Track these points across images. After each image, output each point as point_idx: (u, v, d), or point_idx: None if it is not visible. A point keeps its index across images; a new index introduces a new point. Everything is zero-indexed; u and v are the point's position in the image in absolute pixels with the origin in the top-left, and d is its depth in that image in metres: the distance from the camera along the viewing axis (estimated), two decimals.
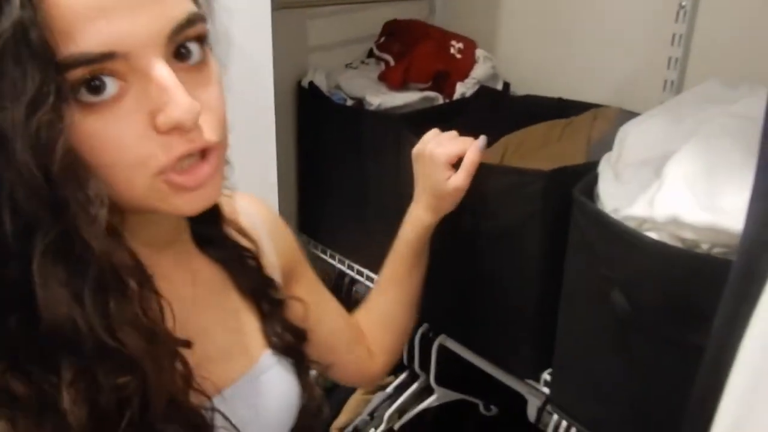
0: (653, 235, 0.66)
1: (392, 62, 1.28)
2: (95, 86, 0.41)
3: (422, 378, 1.31)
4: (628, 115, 1.02)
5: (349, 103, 1.24)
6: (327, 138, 1.28)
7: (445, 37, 1.32)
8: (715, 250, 0.62)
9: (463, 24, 1.42)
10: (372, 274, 1.27)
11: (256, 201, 0.74)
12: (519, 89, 1.33)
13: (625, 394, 0.76)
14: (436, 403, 1.28)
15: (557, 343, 0.87)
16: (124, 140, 0.43)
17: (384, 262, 0.92)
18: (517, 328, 0.94)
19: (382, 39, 1.37)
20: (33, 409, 0.41)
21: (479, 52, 1.28)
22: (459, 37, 1.32)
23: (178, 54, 0.45)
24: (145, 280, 0.47)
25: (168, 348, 0.48)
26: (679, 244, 0.64)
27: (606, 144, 0.88)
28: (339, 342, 0.82)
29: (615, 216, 0.71)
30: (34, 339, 0.42)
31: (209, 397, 0.52)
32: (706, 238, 0.62)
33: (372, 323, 0.89)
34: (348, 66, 1.38)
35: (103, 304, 0.43)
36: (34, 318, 0.41)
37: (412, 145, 0.93)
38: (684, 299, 0.65)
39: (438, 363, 1.22)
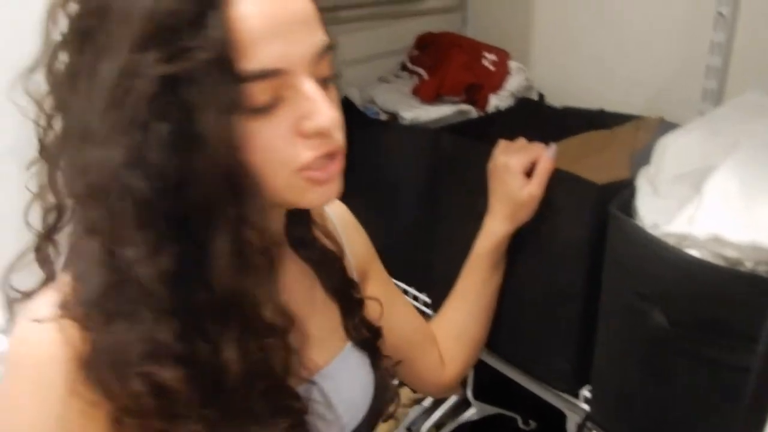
0: (694, 252, 0.64)
1: (425, 76, 1.29)
2: (262, 98, 0.49)
3: (460, 392, 1.30)
4: (669, 125, 1.01)
5: (383, 117, 1.25)
6: (361, 152, 1.28)
7: (478, 48, 1.31)
8: (760, 268, 0.61)
9: (496, 35, 1.42)
10: (406, 287, 1.27)
11: (338, 204, 0.82)
12: (552, 100, 1.32)
13: (663, 413, 0.75)
14: (474, 418, 1.28)
15: (595, 360, 0.86)
16: (275, 142, 0.50)
17: (453, 284, 0.96)
18: (557, 342, 0.93)
19: (415, 52, 1.37)
20: (199, 362, 0.49)
21: (513, 64, 1.27)
22: (492, 49, 1.31)
23: (315, 73, 0.53)
24: (276, 261, 0.55)
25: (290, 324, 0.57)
26: (721, 262, 0.63)
27: (648, 156, 0.87)
28: (410, 342, 0.85)
29: (654, 232, 0.70)
30: (208, 304, 0.50)
31: (308, 376, 0.61)
32: (749, 256, 0.60)
33: (444, 334, 0.91)
34: (381, 80, 1.39)
35: (256, 278, 0.52)
36: (205, 288, 0.49)
37: (451, 150, 0.94)
38: (725, 318, 0.63)
39: (476, 377, 1.22)
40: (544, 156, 0.87)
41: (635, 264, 0.71)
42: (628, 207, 0.79)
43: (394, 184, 1.19)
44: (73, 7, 0.49)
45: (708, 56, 1.09)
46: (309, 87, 0.51)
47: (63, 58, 0.50)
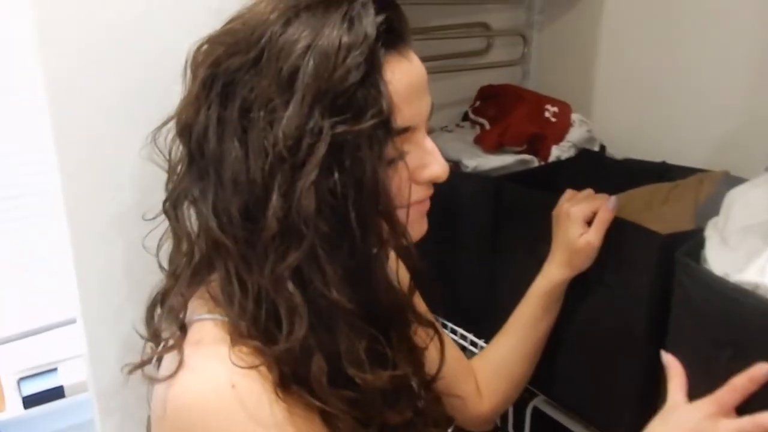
0: None
1: (487, 126, 1.32)
2: (393, 151, 0.57)
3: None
4: (735, 179, 1.01)
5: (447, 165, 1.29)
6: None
7: (540, 101, 1.35)
8: None
9: (557, 87, 1.45)
10: (458, 329, 1.28)
11: None
12: (614, 152, 1.34)
13: None
14: None
15: (662, 408, 0.85)
16: (399, 187, 0.58)
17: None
18: (622, 392, 0.93)
19: (477, 103, 1.41)
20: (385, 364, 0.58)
21: (575, 116, 1.30)
22: (553, 101, 1.35)
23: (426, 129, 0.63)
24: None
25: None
26: None
27: (713, 208, 0.87)
28: (448, 371, 0.85)
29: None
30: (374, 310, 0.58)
31: None
32: None
33: (486, 366, 0.93)
34: (444, 129, 1.43)
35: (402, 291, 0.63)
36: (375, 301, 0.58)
37: (514, 197, 0.96)
38: None
39: (532, 427, 1.20)
40: (605, 206, 0.89)
41: (709, 311, 0.72)
42: (695, 257, 0.79)
43: (456, 230, 1.21)
44: (228, 62, 0.54)
45: None
46: (429, 142, 0.61)
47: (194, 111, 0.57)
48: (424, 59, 1.43)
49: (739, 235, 0.76)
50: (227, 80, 0.53)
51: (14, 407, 1.17)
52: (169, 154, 0.60)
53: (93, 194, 0.77)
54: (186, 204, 0.59)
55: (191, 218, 0.59)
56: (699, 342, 0.75)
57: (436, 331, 0.74)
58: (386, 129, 0.53)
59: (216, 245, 0.56)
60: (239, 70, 0.52)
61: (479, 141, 1.28)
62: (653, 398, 0.87)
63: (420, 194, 0.61)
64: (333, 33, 0.51)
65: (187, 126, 0.57)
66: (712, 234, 0.80)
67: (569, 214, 0.90)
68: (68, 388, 1.21)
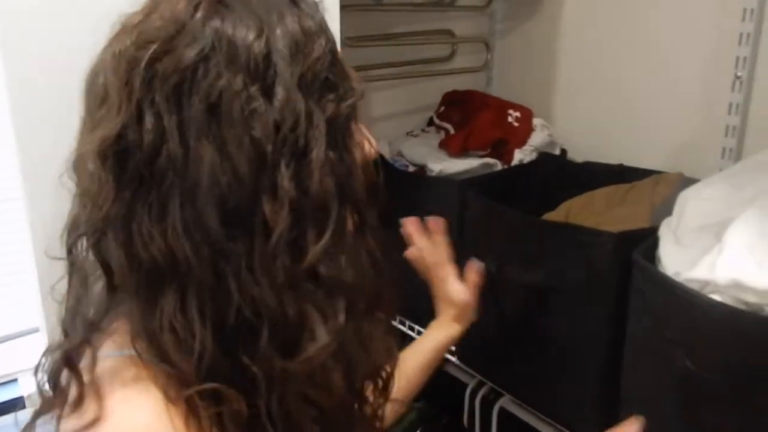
0: (716, 297, 0.67)
1: (452, 130, 1.34)
2: None
3: None
4: (689, 181, 1.04)
5: (411, 169, 1.30)
6: (390, 203, 1.33)
7: (503, 106, 1.38)
8: None
9: (519, 93, 1.49)
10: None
11: None
12: (574, 156, 1.37)
13: None
14: None
15: (622, 407, 0.88)
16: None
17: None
18: (582, 389, 0.95)
19: (442, 108, 1.44)
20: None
21: (536, 121, 1.33)
22: (516, 106, 1.37)
23: None
24: None
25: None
26: (742, 307, 0.66)
27: (669, 209, 0.91)
28: None
29: (677, 279, 0.73)
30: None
31: None
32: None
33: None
34: (409, 134, 1.45)
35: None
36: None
37: (476, 206, 0.97)
38: (750, 361, 0.65)
39: (499, 426, 1.22)
40: (473, 270, 0.95)
41: (662, 310, 0.74)
42: (650, 256, 0.82)
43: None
44: (170, 62, 0.48)
45: (727, 116, 1.14)
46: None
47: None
48: (389, 65, 1.46)
49: (693, 234, 0.79)
50: (175, 81, 0.47)
51: None
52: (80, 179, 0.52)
53: (56, 201, 0.75)
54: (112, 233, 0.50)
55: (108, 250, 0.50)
56: (655, 340, 0.78)
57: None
58: (355, 106, 0.54)
59: (175, 269, 0.47)
60: (187, 68, 0.47)
61: (444, 145, 1.30)
62: (613, 395, 0.89)
63: None
64: (286, 18, 0.50)
65: (125, 143, 0.48)
66: (666, 234, 0.83)
67: (439, 276, 0.95)
68: (29, 399, 1.19)
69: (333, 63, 0.52)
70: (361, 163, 0.56)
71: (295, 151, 0.48)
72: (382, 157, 1.33)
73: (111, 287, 0.52)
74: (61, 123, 0.73)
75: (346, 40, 1.10)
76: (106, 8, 0.55)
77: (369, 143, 0.59)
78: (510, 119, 1.33)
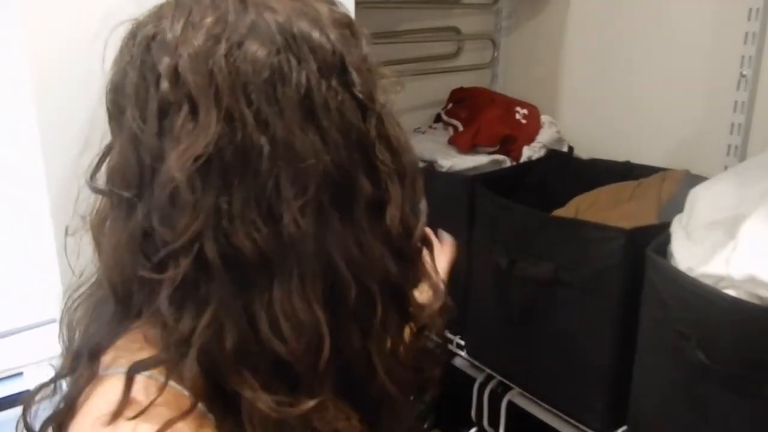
0: (730, 292, 0.69)
1: (461, 127, 1.36)
2: None
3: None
4: (695, 178, 1.06)
5: (421, 165, 1.31)
6: None
7: (510, 103, 1.39)
8: None
9: (525, 90, 1.50)
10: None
11: None
12: (581, 153, 1.39)
13: None
14: None
15: (632, 399, 0.89)
16: None
17: None
18: (592, 383, 0.97)
19: (450, 105, 1.45)
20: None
21: (544, 118, 1.34)
22: (523, 103, 1.39)
23: None
24: None
25: None
26: (756, 302, 0.67)
27: (676, 205, 0.92)
28: None
29: (690, 274, 0.75)
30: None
31: None
32: None
33: None
34: (416, 130, 1.46)
35: None
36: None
37: (486, 202, 0.98)
38: (761, 354, 0.67)
39: (507, 419, 1.24)
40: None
41: (675, 304, 0.76)
42: (662, 252, 0.84)
43: (430, 226, 1.24)
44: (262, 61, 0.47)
45: (732, 114, 1.15)
46: None
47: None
48: (395, 62, 1.47)
49: (704, 230, 0.81)
50: (265, 77, 0.46)
51: None
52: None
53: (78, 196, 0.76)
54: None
55: None
56: (666, 333, 0.79)
57: None
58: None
59: (284, 255, 0.46)
60: (266, 67, 0.46)
61: (454, 142, 1.31)
62: (623, 388, 0.91)
63: None
64: (323, 8, 0.50)
65: (219, 147, 0.46)
66: (677, 230, 0.85)
67: None
68: None
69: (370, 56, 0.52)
70: None
71: (381, 129, 0.50)
72: None
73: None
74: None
75: None
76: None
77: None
78: (518, 116, 1.35)
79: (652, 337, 0.84)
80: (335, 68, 0.48)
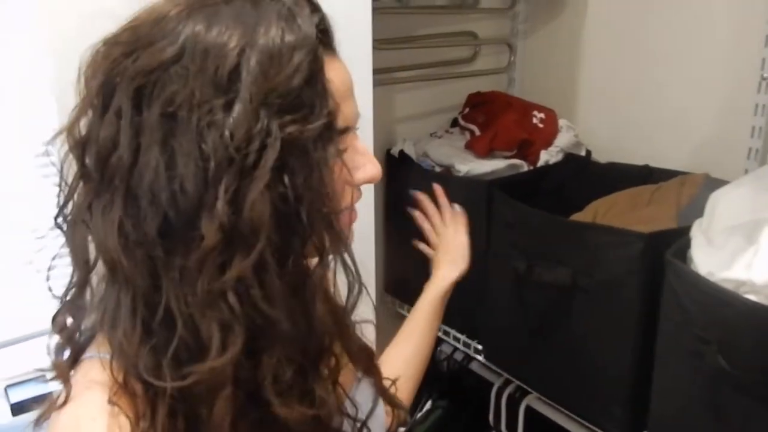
0: (752, 297, 0.68)
1: (477, 132, 1.36)
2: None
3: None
4: (715, 181, 1.05)
5: (437, 169, 1.32)
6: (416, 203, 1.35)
7: (527, 107, 1.39)
8: None
9: (542, 94, 1.50)
10: (457, 334, 1.31)
11: None
12: (598, 157, 1.38)
13: None
14: None
15: (652, 404, 0.89)
16: (336, 188, 0.53)
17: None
18: (611, 388, 0.96)
19: (467, 110, 1.45)
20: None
21: (562, 122, 1.34)
22: (540, 108, 1.39)
23: None
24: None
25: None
26: None
27: (695, 209, 0.92)
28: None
29: (710, 279, 0.75)
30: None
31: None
32: None
33: (389, 370, 0.85)
34: (433, 135, 1.47)
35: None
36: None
37: (504, 207, 0.99)
38: None
39: (525, 424, 1.24)
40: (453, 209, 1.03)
41: (695, 309, 0.75)
42: (682, 256, 0.83)
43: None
44: (134, 64, 0.48)
45: (753, 117, 1.14)
46: (361, 144, 0.58)
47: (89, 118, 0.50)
48: (412, 67, 1.48)
49: (724, 234, 0.80)
50: (139, 83, 0.47)
51: (2, 414, 1.17)
52: (61, 168, 0.53)
53: None
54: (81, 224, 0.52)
55: (87, 240, 0.52)
56: (686, 338, 0.79)
57: (372, 360, 0.67)
58: (331, 129, 0.50)
59: (113, 269, 0.48)
60: (153, 70, 0.47)
61: (471, 146, 1.31)
62: (643, 393, 0.91)
63: (353, 198, 0.58)
64: (271, 31, 0.48)
65: (82, 139, 0.50)
66: (697, 234, 0.84)
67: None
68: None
69: (308, 81, 0.49)
70: (340, 187, 0.54)
71: (241, 169, 0.46)
72: (409, 158, 1.35)
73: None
74: None
75: (375, 43, 1.11)
76: None
77: (347, 170, 0.54)
78: (535, 120, 1.34)
79: (672, 342, 0.83)
80: (223, 92, 0.46)
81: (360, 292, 0.55)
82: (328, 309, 0.53)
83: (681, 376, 0.82)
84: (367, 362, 0.66)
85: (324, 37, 0.53)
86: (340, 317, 0.55)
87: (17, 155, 1.07)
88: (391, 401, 0.71)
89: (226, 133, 0.46)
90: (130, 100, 0.47)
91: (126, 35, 0.49)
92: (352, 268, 0.54)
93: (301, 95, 0.48)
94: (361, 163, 0.57)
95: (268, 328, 0.49)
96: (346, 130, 0.54)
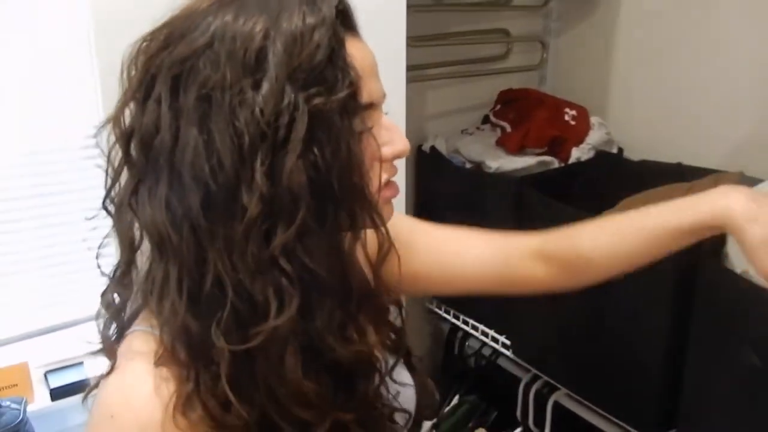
0: None
1: (509, 128, 1.36)
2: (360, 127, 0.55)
3: None
4: (750, 180, 1.05)
5: (468, 166, 1.33)
6: (447, 198, 1.36)
7: (559, 104, 1.39)
8: None
9: (574, 92, 1.50)
10: (486, 329, 1.32)
11: None
12: (630, 154, 1.38)
13: None
14: None
15: (684, 401, 0.89)
16: (365, 160, 0.56)
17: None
18: (642, 384, 0.97)
19: (498, 107, 1.46)
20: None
21: (594, 119, 1.34)
22: (572, 105, 1.39)
23: None
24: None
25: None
26: None
27: None
28: (487, 264, 0.79)
29: (745, 277, 0.75)
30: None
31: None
32: None
33: (572, 254, 0.76)
34: (464, 132, 1.47)
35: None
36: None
37: (535, 203, 0.99)
38: None
39: (553, 420, 1.24)
40: None
41: (729, 306, 0.76)
42: (717, 254, 0.83)
43: (477, 226, 1.25)
44: (170, 54, 0.52)
45: None
46: (388, 121, 0.60)
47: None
48: (444, 64, 1.49)
49: None
50: (176, 71, 0.51)
51: (42, 399, 1.21)
52: (108, 155, 0.57)
53: None
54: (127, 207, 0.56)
55: (133, 222, 0.56)
56: (721, 335, 0.79)
57: (401, 310, 0.68)
58: (355, 101, 0.53)
59: (161, 244, 0.53)
60: (188, 59, 0.51)
61: (503, 143, 1.32)
62: (674, 391, 0.91)
63: (386, 174, 0.60)
64: (294, 15, 0.52)
65: (127, 129, 0.55)
66: None
67: None
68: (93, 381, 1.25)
69: (330, 58, 0.52)
70: (379, 160, 0.56)
71: (274, 143, 0.50)
72: (440, 153, 1.37)
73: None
74: None
75: (409, 41, 1.13)
76: None
77: (377, 144, 0.56)
78: (567, 117, 1.35)
79: (706, 340, 0.83)
80: (251, 72, 0.50)
81: (389, 250, 0.57)
82: (359, 269, 0.56)
83: (714, 373, 0.82)
84: (396, 340, 0.67)
85: (344, 18, 0.56)
86: (375, 269, 0.58)
87: (69, 144, 1.12)
88: (418, 377, 0.71)
89: (257, 110, 0.49)
90: (168, 87, 0.51)
91: (162, 32, 0.54)
92: (382, 229, 0.56)
93: (324, 71, 0.51)
94: (389, 138, 0.59)
95: (316, 284, 0.53)
96: (371, 105, 0.57)
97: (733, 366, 0.77)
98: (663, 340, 0.93)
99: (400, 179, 1.17)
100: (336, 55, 0.52)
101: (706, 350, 0.83)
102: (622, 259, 0.74)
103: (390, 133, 0.59)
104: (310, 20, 0.52)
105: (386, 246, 0.57)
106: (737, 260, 0.78)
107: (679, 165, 1.24)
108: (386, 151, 0.58)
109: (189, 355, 0.52)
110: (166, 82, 0.51)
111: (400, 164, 1.25)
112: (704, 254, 0.81)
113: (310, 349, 0.54)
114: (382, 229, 0.57)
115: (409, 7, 1.11)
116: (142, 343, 0.56)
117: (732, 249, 0.81)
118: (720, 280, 0.78)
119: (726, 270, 0.77)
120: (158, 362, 0.53)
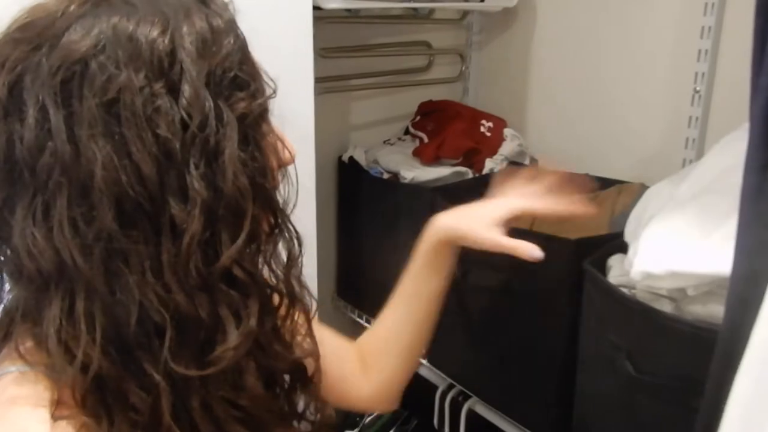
0: (638, 294, 0.71)
1: (426, 139, 1.38)
2: None
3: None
4: None
5: (386, 176, 1.34)
6: (365, 208, 1.37)
7: (477, 116, 1.42)
8: (691, 292, 0.68)
9: (494, 104, 1.53)
10: None
11: None
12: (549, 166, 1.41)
13: None
14: None
15: (575, 406, 0.91)
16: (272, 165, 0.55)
17: None
18: (542, 391, 0.99)
19: (417, 118, 1.48)
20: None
21: (507, 131, 1.37)
22: (489, 117, 1.42)
23: None
24: None
25: None
26: (663, 301, 0.70)
27: (626, 217, 0.94)
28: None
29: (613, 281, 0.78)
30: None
31: None
32: (686, 283, 0.67)
33: (372, 343, 0.83)
34: (386, 142, 1.49)
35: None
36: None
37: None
38: (687, 367, 0.69)
39: (467, 427, 1.25)
40: (531, 251, 0.79)
41: (608, 316, 0.78)
42: (601, 265, 0.86)
43: (395, 237, 1.27)
44: (49, 58, 0.46)
45: (687, 129, 1.18)
46: (277, 128, 0.57)
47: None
48: (368, 75, 1.50)
49: (630, 237, 0.83)
50: (63, 76, 0.45)
51: None
52: None
53: None
54: None
55: None
56: (602, 344, 0.81)
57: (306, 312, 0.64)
58: (266, 103, 0.52)
59: (60, 273, 0.45)
60: (76, 63, 0.45)
61: (418, 154, 1.34)
62: (570, 397, 0.93)
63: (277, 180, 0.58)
64: (194, 18, 0.49)
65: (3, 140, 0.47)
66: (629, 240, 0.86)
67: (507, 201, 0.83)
68: None
69: (243, 61, 0.51)
70: (276, 166, 0.55)
71: (205, 149, 0.47)
72: (358, 164, 1.37)
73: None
74: None
75: (320, 51, 1.14)
76: None
77: (283, 146, 0.56)
78: (483, 129, 1.37)
79: (591, 348, 0.86)
80: (163, 76, 0.46)
81: (300, 254, 0.56)
82: (294, 266, 0.56)
83: (598, 381, 0.84)
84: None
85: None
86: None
87: None
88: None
89: (182, 114, 0.46)
90: (54, 95, 0.45)
91: (21, 33, 0.48)
92: (293, 232, 0.55)
93: (238, 74, 0.50)
94: (283, 145, 0.57)
95: (265, 293, 0.52)
96: (269, 111, 0.55)
97: (613, 374, 0.79)
98: (560, 348, 0.95)
99: (310, 190, 1.16)
100: (246, 59, 0.52)
101: (592, 359, 0.86)
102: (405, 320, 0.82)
103: (282, 140, 0.57)
104: (215, 22, 0.50)
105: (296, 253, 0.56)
106: (617, 270, 0.81)
107: (586, 176, 1.28)
108: (283, 156, 0.57)
109: (102, 402, 0.46)
110: (51, 90, 0.45)
111: (310, 173, 1.25)
112: (586, 265, 0.84)
113: (264, 361, 0.53)
114: (294, 233, 0.55)
115: (321, 18, 1.11)
116: (17, 387, 0.47)
117: (615, 258, 0.84)
118: (599, 290, 0.81)
119: (603, 281, 0.80)
120: (56, 414, 0.45)
